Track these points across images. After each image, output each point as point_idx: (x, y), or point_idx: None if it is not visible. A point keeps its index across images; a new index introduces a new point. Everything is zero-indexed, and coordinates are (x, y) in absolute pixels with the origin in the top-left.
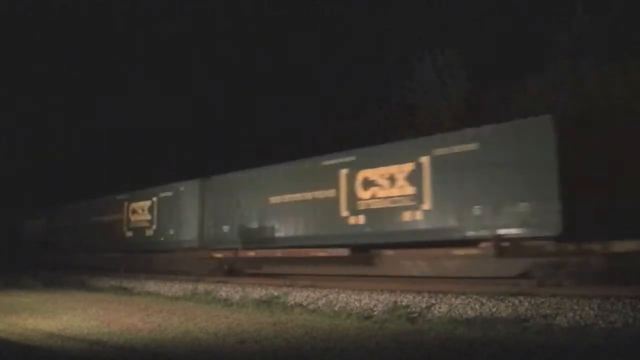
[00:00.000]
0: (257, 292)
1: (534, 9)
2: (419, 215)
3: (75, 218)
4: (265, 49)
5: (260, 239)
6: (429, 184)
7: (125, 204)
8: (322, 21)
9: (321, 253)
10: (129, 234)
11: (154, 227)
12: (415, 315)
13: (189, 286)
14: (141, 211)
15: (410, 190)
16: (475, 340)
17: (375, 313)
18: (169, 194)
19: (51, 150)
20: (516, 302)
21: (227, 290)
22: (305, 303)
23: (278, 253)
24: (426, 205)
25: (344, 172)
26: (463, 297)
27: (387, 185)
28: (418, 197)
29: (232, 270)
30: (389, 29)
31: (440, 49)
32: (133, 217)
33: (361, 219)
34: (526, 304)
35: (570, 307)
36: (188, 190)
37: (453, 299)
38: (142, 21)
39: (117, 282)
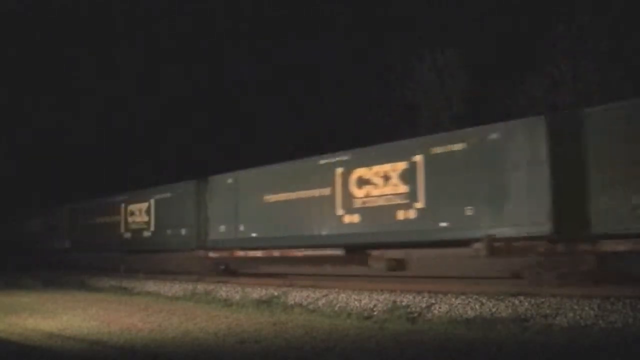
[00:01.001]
0: (257, 292)
1: (534, 8)
2: None
3: (233, 197)
4: (265, 49)
5: None
6: None
7: (339, 171)
8: (322, 21)
9: None
10: (352, 217)
11: (419, 205)
12: (415, 315)
13: (189, 286)
14: (381, 181)
15: None
16: (475, 340)
17: (375, 313)
18: (458, 146)
19: (52, 149)
20: (516, 302)
21: (227, 290)
22: (305, 303)
23: None
24: None
25: None
26: (463, 297)
27: None
28: None
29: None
30: (389, 29)
31: (440, 49)
32: (358, 192)
33: None
34: (526, 304)
35: (570, 307)
36: (512, 138)
37: (453, 299)
38: (142, 21)
39: (117, 282)
